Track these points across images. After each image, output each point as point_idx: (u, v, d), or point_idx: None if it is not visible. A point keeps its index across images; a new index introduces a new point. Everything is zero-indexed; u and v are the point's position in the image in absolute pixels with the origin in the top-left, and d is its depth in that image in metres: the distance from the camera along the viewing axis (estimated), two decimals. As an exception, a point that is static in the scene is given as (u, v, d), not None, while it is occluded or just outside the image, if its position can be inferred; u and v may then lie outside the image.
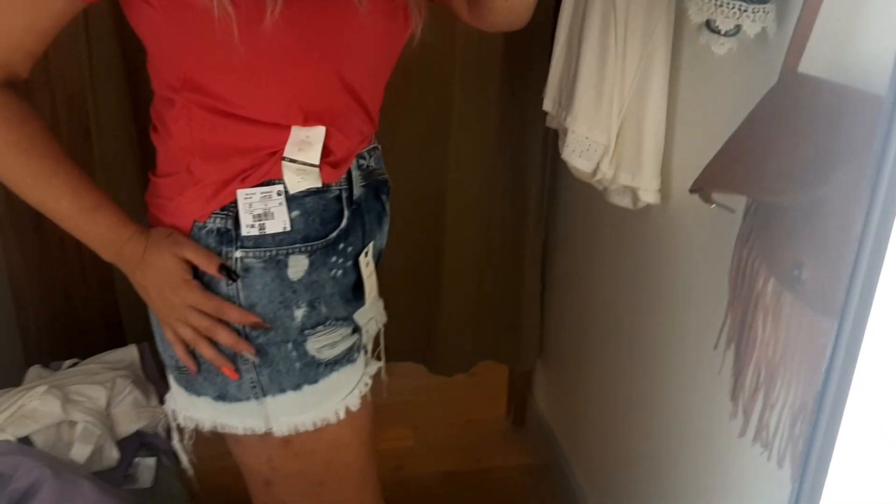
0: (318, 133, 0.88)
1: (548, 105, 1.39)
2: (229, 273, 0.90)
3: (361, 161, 0.99)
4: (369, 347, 1.08)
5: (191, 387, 0.96)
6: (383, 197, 1.05)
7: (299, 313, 0.93)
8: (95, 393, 1.26)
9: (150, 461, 1.29)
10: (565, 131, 1.28)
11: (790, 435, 0.84)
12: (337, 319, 0.96)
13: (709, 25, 0.96)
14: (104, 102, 1.58)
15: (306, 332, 0.94)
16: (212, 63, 0.83)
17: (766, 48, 0.95)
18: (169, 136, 0.90)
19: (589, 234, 1.68)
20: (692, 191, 0.83)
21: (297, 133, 0.88)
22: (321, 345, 0.95)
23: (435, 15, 1.00)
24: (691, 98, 1.17)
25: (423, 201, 1.75)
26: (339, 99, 0.91)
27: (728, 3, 0.93)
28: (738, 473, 1.11)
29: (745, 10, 0.92)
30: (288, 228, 0.90)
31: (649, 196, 1.23)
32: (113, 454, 1.22)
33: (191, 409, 0.98)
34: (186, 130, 0.88)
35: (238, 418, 0.95)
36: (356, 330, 1.00)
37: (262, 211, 0.89)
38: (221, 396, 0.95)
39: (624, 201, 1.31)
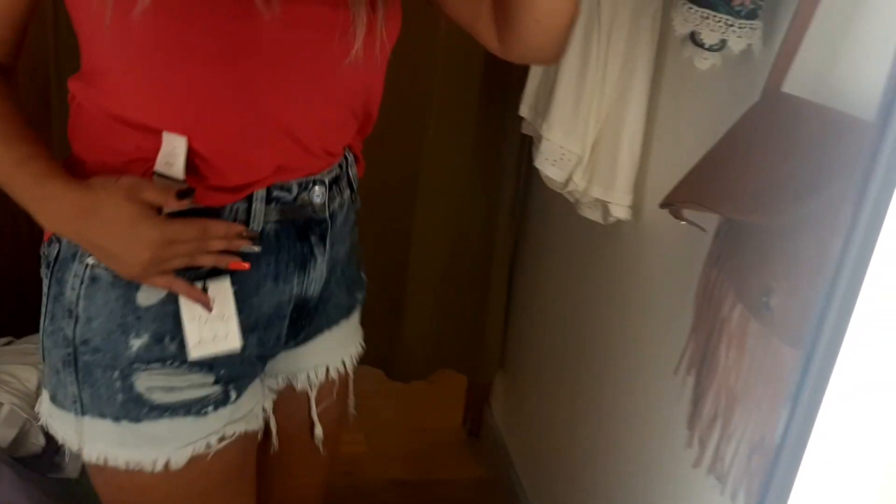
0: (180, 144, 0.77)
1: (524, 111, 1.35)
2: (186, 194, 0.78)
3: (279, 193, 0.84)
4: (312, 396, 1.00)
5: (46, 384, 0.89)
6: (313, 238, 0.88)
7: (137, 343, 0.81)
8: (26, 374, 1.19)
9: (80, 450, 1.22)
10: (540, 138, 1.24)
11: (746, 468, 0.80)
12: (189, 364, 0.83)
13: (693, 38, 0.93)
14: (67, 76, 1.52)
15: (137, 365, 0.82)
16: (100, 52, 0.77)
17: (749, 66, 0.92)
18: (70, 124, 0.84)
19: (558, 247, 1.64)
20: (662, 205, 0.79)
21: (168, 142, 0.77)
22: (153, 384, 0.82)
23: (416, 15, 0.95)
24: (670, 112, 1.14)
25: (392, 204, 1.70)
26: (244, 117, 0.79)
27: (714, 17, 0.90)
28: (690, 504, 1.07)
29: (732, 25, 0.89)
30: None
31: (620, 211, 1.20)
32: (39, 440, 1.16)
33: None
34: (77, 124, 0.82)
35: (60, 426, 0.85)
36: (226, 382, 0.86)
37: None
38: (52, 398, 0.86)
39: (595, 215, 1.28)
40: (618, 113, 1.15)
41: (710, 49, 0.92)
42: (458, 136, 1.67)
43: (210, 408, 0.86)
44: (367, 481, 1.98)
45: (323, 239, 0.89)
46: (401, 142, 1.66)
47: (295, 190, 0.85)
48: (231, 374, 0.86)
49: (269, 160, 0.82)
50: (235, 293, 0.83)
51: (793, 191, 0.65)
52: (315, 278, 0.90)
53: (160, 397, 0.82)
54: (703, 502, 1.02)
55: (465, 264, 1.83)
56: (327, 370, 1.02)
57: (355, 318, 1.05)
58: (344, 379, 1.05)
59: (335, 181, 0.90)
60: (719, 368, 0.83)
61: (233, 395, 0.88)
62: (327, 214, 0.89)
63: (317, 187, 0.87)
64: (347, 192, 0.94)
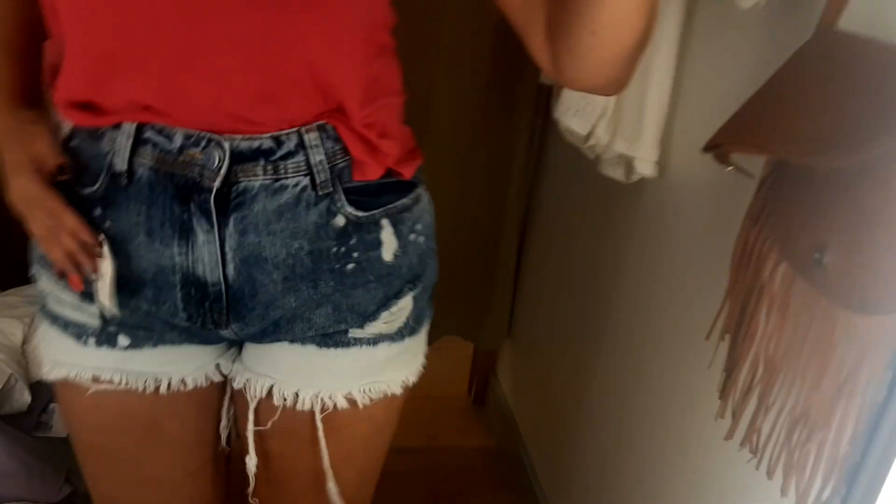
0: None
1: None
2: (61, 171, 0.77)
3: (155, 137, 0.74)
4: (250, 408, 0.87)
5: None
6: (192, 206, 0.75)
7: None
8: (10, 328, 1.13)
9: (68, 409, 1.17)
10: (560, 88, 1.16)
11: (786, 443, 0.73)
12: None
13: (736, -27, 0.85)
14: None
15: (42, 263, 0.82)
16: None
17: (797, 3, 0.84)
18: None
19: (573, 208, 1.57)
20: (706, 149, 0.71)
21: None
22: (47, 289, 0.83)
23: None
24: (703, 59, 1.05)
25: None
26: (122, 24, 0.69)
27: (761, -52, 0.81)
28: (716, 478, 1.01)
29: (780, -42, 0.80)
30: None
31: (646, 167, 1.12)
32: (24, 397, 1.10)
33: None
34: None
35: None
36: (117, 324, 0.81)
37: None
38: None
39: (617, 173, 1.20)
40: (646, 61, 1.06)
41: (754, -15, 0.84)
42: (467, 86, 1.58)
43: (91, 339, 0.82)
44: (370, 448, 1.94)
45: (205, 212, 0.75)
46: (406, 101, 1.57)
47: (178, 140, 0.74)
48: (123, 318, 0.81)
49: (142, 90, 0.72)
50: (109, 237, 0.77)
51: (858, 132, 0.58)
52: (202, 258, 0.77)
53: (51, 304, 0.83)
54: (732, 475, 0.96)
55: (473, 227, 1.76)
56: (272, 389, 0.86)
57: (345, 356, 0.84)
58: (305, 419, 0.86)
59: (266, 156, 0.75)
60: (758, 334, 0.75)
61: (122, 341, 0.82)
62: (216, 184, 0.74)
63: (216, 150, 0.74)
64: (299, 181, 0.76)
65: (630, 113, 1.11)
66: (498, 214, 1.76)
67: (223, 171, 0.73)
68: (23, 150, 0.78)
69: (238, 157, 0.74)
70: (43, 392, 1.15)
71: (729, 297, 0.81)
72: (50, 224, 0.76)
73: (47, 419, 1.15)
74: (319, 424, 0.86)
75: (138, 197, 0.75)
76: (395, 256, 0.81)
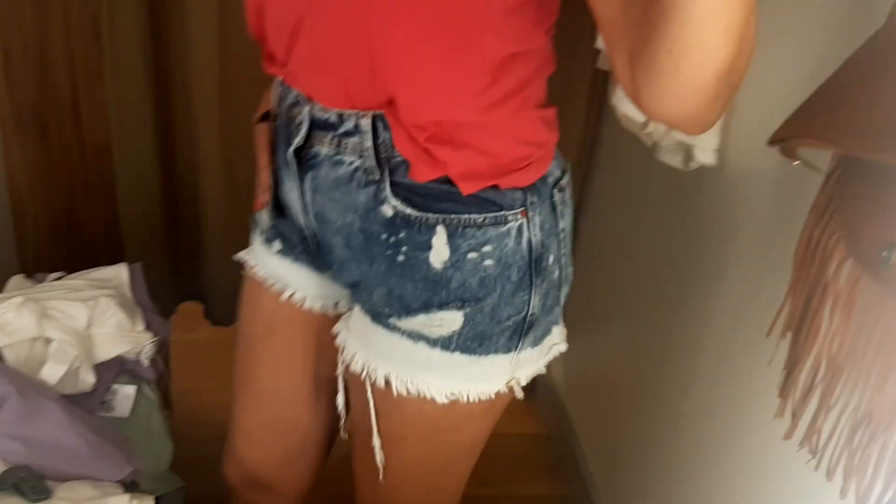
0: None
1: (601, 43, 1.25)
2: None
3: (286, 92, 0.86)
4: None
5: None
6: (289, 154, 0.85)
7: None
8: (76, 311, 1.16)
9: (130, 389, 1.20)
10: (617, 75, 1.14)
11: (847, 444, 0.72)
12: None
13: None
14: (119, 3, 1.47)
15: None
16: None
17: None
18: None
19: (628, 196, 1.55)
20: (772, 142, 0.69)
21: None
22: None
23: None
24: (767, 44, 1.02)
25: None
26: None
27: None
28: (772, 476, 0.99)
29: (852, -59, 0.77)
30: None
31: (705, 155, 1.10)
32: (88, 378, 1.13)
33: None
34: None
35: None
36: (275, 228, 0.96)
37: None
38: None
39: (675, 160, 1.18)
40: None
41: (823, -29, 0.81)
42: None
43: (261, 236, 0.99)
44: (421, 434, 1.96)
45: (291, 163, 0.86)
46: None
47: (292, 97, 0.85)
48: (280, 227, 0.95)
49: (274, 45, 0.83)
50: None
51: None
52: (294, 202, 0.89)
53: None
54: (790, 474, 0.94)
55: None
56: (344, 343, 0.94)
57: (388, 339, 0.87)
58: (362, 383, 0.91)
59: (332, 129, 0.81)
60: (821, 332, 0.73)
61: (276, 245, 0.97)
62: (296, 142, 0.84)
63: (303, 112, 0.83)
64: (355, 161, 0.81)
65: (689, 101, 1.09)
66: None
67: (303, 131, 0.82)
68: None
69: (315, 124, 0.82)
70: (106, 373, 1.19)
71: (791, 294, 0.79)
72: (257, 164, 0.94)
73: (109, 399, 1.19)
74: (369, 389, 0.91)
75: (279, 136, 0.89)
76: (445, 267, 0.81)
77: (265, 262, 0.99)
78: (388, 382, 0.87)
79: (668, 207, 1.35)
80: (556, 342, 0.93)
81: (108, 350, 1.18)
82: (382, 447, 0.94)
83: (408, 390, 0.87)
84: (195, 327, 1.91)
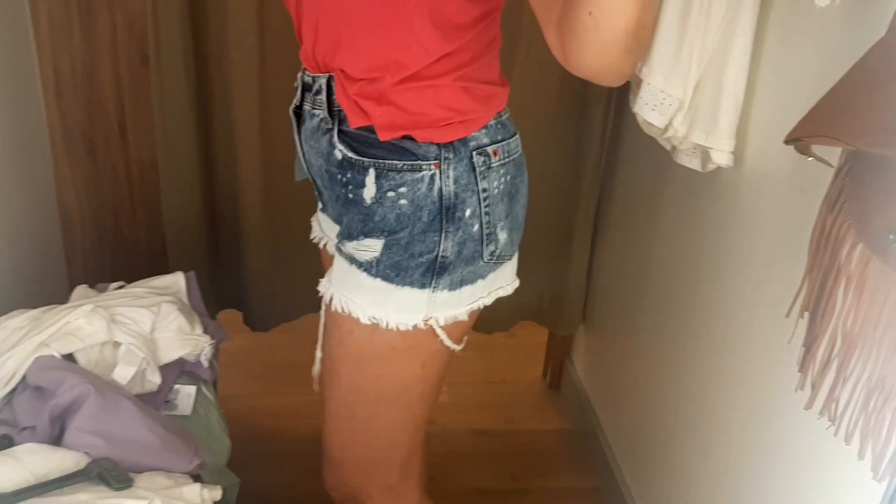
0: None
1: (637, 108, 1.32)
2: None
3: (303, 74, 1.04)
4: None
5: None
6: (291, 112, 1.06)
7: None
8: (141, 316, 1.25)
9: (190, 389, 1.28)
10: (639, 83, 1.23)
11: (862, 410, 0.79)
12: None
13: (810, -27, 0.90)
14: (165, 29, 1.56)
15: None
16: None
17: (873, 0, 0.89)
18: None
19: (648, 196, 1.62)
20: (788, 141, 0.78)
21: None
22: None
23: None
24: (780, 54, 1.11)
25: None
26: None
27: (834, -50, 0.87)
28: (794, 448, 1.06)
29: (853, -41, 0.86)
30: None
31: (722, 158, 1.18)
32: (154, 378, 1.22)
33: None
34: None
35: None
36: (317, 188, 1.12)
37: None
38: None
39: (693, 162, 1.26)
40: (722, 54, 1.12)
41: (828, -15, 0.89)
42: (542, 78, 1.65)
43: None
44: (449, 430, 2.02)
45: (297, 118, 1.06)
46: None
47: (309, 77, 1.03)
48: (315, 185, 1.13)
49: (295, 21, 1.02)
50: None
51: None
52: (298, 148, 1.09)
53: None
54: (810, 444, 1.02)
55: (548, 214, 1.83)
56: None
57: (337, 261, 1.05)
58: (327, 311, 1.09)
59: (308, 89, 1.02)
60: (836, 310, 0.81)
61: (319, 204, 1.17)
62: (295, 102, 1.05)
63: (299, 78, 1.04)
64: (320, 113, 1.01)
65: (706, 104, 1.16)
66: (572, 202, 1.82)
67: (298, 94, 1.05)
68: None
69: (304, 87, 1.03)
70: (168, 374, 1.27)
71: (807, 277, 0.87)
72: None
73: (172, 398, 1.27)
74: (323, 309, 1.11)
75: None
76: (372, 202, 0.98)
77: (318, 216, 1.20)
78: (331, 300, 1.04)
79: (687, 206, 1.42)
80: (481, 296, 1.05)
81: (170, 352, 1.26)
82: (325, 366, 1.12)
83: (342, 308, 1.03)
84: (234, 334, 1.99)
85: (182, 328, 1.28)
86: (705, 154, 1.22)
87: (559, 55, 0.82)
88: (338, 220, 1.07)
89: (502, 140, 1.00)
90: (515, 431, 2.07)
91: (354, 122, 0.97)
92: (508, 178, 1.01)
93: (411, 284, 0.99)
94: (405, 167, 0.96)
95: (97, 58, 1.68)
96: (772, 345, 1.12)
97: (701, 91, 1.16)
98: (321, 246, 1.21)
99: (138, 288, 1.33)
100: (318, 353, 1.20)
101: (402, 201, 0.97)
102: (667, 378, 1.51)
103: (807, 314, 0.88)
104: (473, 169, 0.97)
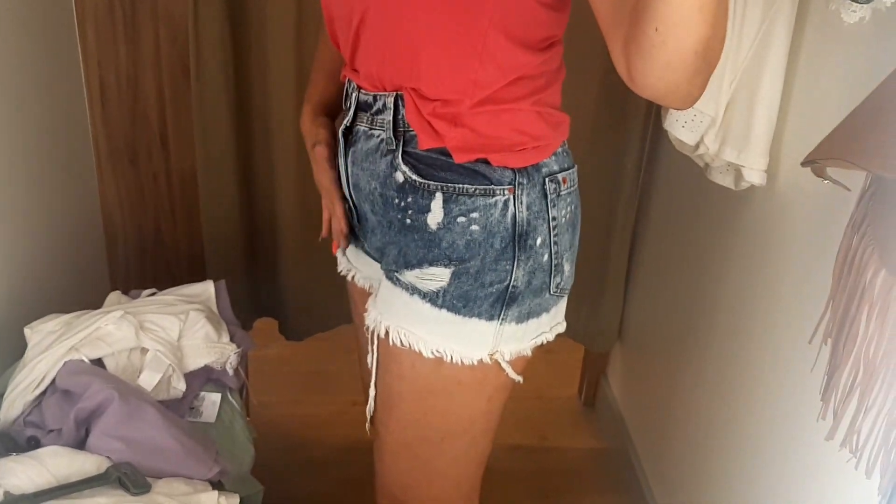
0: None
1: (667, 124, 1.30)
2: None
3: (349, 87, 1.01)
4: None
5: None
6: (339, 133, 1.02)
7: None
8: (169, 323, 1.27)
9: (215, 397, 1.30)
10: (668, 100, 1.20)
11: (883, 443, 0.76)
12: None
13: (841, -11, 0.88)
14: (206, 43, 1.59)
15: None
16: None
17: (903, 18, 0.86)
18: None
19: (683, 214, 1.60)
20: (805, 163, 0.75)
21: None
22: None
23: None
24: (812, 71, 1.08)
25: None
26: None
27: (865, -34, 0.84)
28: (819, 478, 1.03)
29: (885, -26, 0.83)
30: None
31: (754, 176, 1.15)
32: (180, 385, 1.23)
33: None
34: None
35: None
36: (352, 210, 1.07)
37: None
38: None
39: (726, 180, 1.23)
40: (754, 71, 1.10)
41: (858, 1, 0.87)
42: (580, 97, 1.64)
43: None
44: (483, 445, 2.01)
45: (345, 139, 1.01)
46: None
47: (350, 88, 1.00)
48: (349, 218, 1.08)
49: (342, 49, 0.98)
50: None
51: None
52: (341, 171, 1.03)
53: None
54: (833, 476, 0.98)
55: (586, 231, 1.79)
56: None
57: (392, 291, 0.99)
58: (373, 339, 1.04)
59: (368, 109, 0.97)
60: (858, 337, 0.78)
61: (354, 221, 1.09)
62: (345, 122, 1.00)
63: (351, 97, 0.99)
64: (381, 133, 0.96)
65: (738, 122, 1.14)
66: (609, 219, 1.80)
67: (351, 113, 0.99)
68: (313, 139, 1.07)
69: (360, 106, 0.98)
70: (194, 381, 1.29)
71: (831, 302, 0.84)
72: (324, 197, 1.09)
73: (197, 405, 1.29)
74: (375, 342, 1.03)
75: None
76: (438, 228, 0.93)
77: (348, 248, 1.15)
78: (387, 334, 0.99)
79: (722, 225, 1.39)
80: (544, 330, 1.01)
81: (196, 360, 1.28)
82: (381, 402, 1.05)
83: (401, 341, 0.97)
84: (270, 343, 2.02)
85: (209, 336, 1.29)
86: (738, 172, 1.20)
87: (624, 74, 0.77)
88: (381, 249, 1.02)
89: (569, 168, 0.97)
90: (548, 448, 2.05)
91: (426, 143, 0.92)
92: (572, 207, 0.98)
93: (479, 316, 0.95)
94: (478, 191, 0.92)
95: (141, 70, 1.72)
96: (798, 370, 1.08)
97: (733, 108, 1.14)
98: (349, 278, 1.17)
99: (169, 296, 1.35)
100: (372, 391, 1.09)
101: (474, 227, 0.92)
102: (698, 401, 1.48)
103: (830, 341, 0.85)
104: (545, 196, 0.94)
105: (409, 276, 0.96)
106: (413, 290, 0.96)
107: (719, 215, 1.40)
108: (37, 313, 1.32)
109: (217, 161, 1.69)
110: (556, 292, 0.98)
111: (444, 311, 0.95)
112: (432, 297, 0.95)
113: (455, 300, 0.95)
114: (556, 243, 0.96)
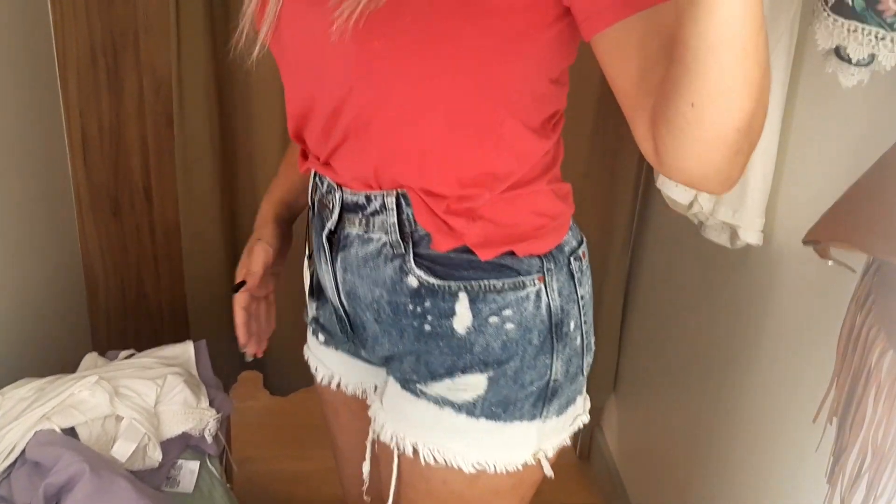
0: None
1: (659, 183, 1.27)
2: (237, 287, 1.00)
3: (317, 181, 0.91)
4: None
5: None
6: (322, 237, 0.89)
7: None
8: (146, 389, 1.22)
9: (194, 465, 1.25)
10: (661, 158, 1.17)
11: (897, 535, 0.72)
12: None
13: (838, 53, 0.85)
14: (189, 93, 1.56)
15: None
16: None
17: (903, 82, 0.83)
18: None
19: (678, 268, 1.56)
20: (806, 242, 0.72)
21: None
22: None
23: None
24: (808, 132, 1.05)
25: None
26: (293, 99, 0.88)
27: (863, 29, 0.81)
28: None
29: (883, 39, 0.80)
30: None
31: (750, 236, 1.12)
32: (156, 455, 1.18)
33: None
34: None
35: None
36: (319, 321, 1.02)
37: None
38: None
39: (721, 238, 1.20)
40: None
41: (856, 64, 0.84)
42: (569, 153, 1.61)
43: (310, 332, 1.06)
44: (475, 500, 1.95)
45: (324, 247, 0.90)
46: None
47: (325, 186, 0.89)
48: (320, 318, 1.01)
49: (312, 146, 0.88)
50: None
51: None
52: (328, 284, 0.92)
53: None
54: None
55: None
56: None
57: (416, 405, 0.89)
58: (390, 453, 0.93)
59: (361, 210, 0.85)
60: (866, 420, 0.74)
61: (321, 336, 1.03)
62: (329, 226, 0.88)
63: (334, 198, 0.87)
64: (381, 237, 0.85)
65: (732, 183, 1.11)
66: (602, 273, 1.77)
67: (335, 216, 0.87)
68: (258, 235, 1.02)
69: (346, 207, 0.86)
70: (172, 449, 1.24)
71: (835, 380, 0.80)
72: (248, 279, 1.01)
73: (175, 475, 1.23)
74: (396, 459, 0.92)
75: (314, 224, 0.94)
76: (468, 331, 0.84)
77: (315, 353, 1.06)
78: (415, 451, 0.88)
79: (717, 282, 1.36)
80: (579, 413, 0.93)
81: (174, 427, 1.23)
82: None
83: (434, 459, 0.87)
84: (255, 394, 1.97)
85: (187, 401, 1.24)
86: (734, 231, 1.16)
87: (651, 156, 0.67)
88: (389, 358, 0.92)
89: (583, 239, 0.91)
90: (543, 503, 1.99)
91: (443, 245, 0.82)
92: (591, 279, 0.92)
93: (521, 418, 0.86)
94: (507, 286, 0.83)
95: (124, 120, 1.69)
96: (801, 441, 1.04)
97: (727, 167, 1.11)
98: (328, 384, 1.06)
99: (146, 358, 1.31)
100: None
101: (509, 325, 0.83)
102: (694, 461, 1.43)
103: (835, 419, 0.81)
104: (572, 276, 0.87)
105: (438, 388, 0.87)
106: (443, 402, 0.87)
107: (714, 273, 1.37)
108: (13, 374, 1.28)
109: (200, 213, 1.66)
110: (587, 371, 0.92)
111: (482, 420, 0.86)
112: (468, 408, 0.86)
113: (494, 407, 0.85)
114: (585, 322, 0.89)
